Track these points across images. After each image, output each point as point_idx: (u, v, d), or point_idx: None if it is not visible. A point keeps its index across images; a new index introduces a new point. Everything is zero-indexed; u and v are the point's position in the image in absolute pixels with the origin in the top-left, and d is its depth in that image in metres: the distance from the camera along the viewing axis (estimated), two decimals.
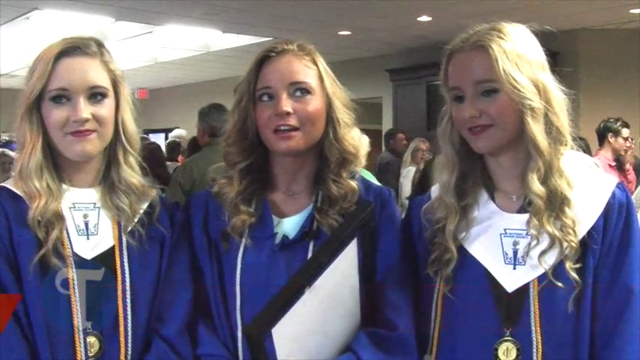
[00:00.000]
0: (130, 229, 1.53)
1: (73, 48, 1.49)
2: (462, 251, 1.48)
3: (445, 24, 7.53)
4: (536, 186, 1.41)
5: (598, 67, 7.65)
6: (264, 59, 1.54)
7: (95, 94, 1.49)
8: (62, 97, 1.47)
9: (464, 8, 6.75)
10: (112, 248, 1.51)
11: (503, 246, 1.46)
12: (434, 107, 8.59)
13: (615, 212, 1.43)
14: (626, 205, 1.44)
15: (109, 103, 1.51)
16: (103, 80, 1.50)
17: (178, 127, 10.27)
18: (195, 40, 9.32)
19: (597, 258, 1.42)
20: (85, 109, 1.46)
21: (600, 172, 1.55)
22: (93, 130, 1.48)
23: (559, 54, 6.92)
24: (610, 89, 7.58)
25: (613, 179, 1.50)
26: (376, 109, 10.21)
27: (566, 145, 1.45)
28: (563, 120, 1.45)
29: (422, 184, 5.58)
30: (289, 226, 1.55)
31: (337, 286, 1.40)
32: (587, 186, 1.46)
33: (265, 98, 1.52)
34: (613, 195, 1.44)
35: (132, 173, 1.56)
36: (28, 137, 1.48)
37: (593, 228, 1.42)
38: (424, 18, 7.66)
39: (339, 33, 8.38)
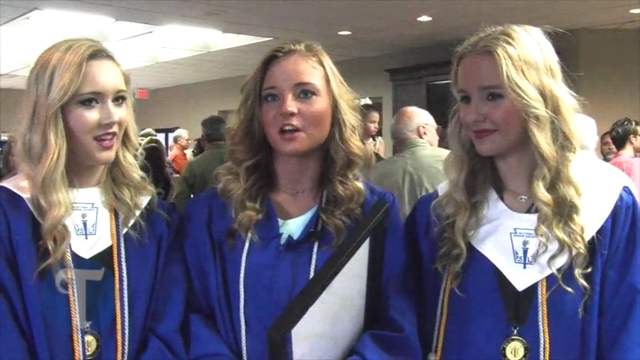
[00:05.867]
0: (132, 222, 1.54)
1: (99, 51, 1.49)
2: (471, 249, 1.49)
3: (445, 24, 7.54)
4: (542, 193, 1.42)
5: (598, 67, 7.63)
6: (271, 59, 1.54)
7: (118, 98, 1.50)
8: (93, 100, 1.47)
9: (464, 8, 6.75)
10: (110, 248, 1.52)
11: (513, 245, 1.47)
12: (434, 107, 8.55)
13: (623, 214, 1.45)
14: (632, 208, 1.46)
15: (126, 105, 1.52)
16: (123, 83, 1.52)
17: (178, 127, 10.42)
18: (195, 40, 9.33)
19: (605, 259, 1.43)
20: (116, 113, 1.48)
21: (607, 174, 1.55)
22: (116, 132, 1.49)
23: (559, 54, 6.90)
24: (610, 89, 7.57)
25: (620, 182, 1.52)
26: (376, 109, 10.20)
27: (574, 151, 1.45)
28: (571, 126, 1.44)
29: None
30: (294, 226, 1.55)
31: (348, 287, 1.40)
32: (595, 189, 1.47)
33: (270, 98, 1.52)
34: (620, 197, 1.47)
35: (131, 168, 1.58)
36: (54, 143, 1.43)
37: (600, 230, 1.44)
38: (424, 18, 7.66)
39: (339, 33, 8.38)
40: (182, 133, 9.67)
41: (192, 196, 4.98)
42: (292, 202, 1.58)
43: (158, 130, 12.26)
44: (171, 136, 12.93)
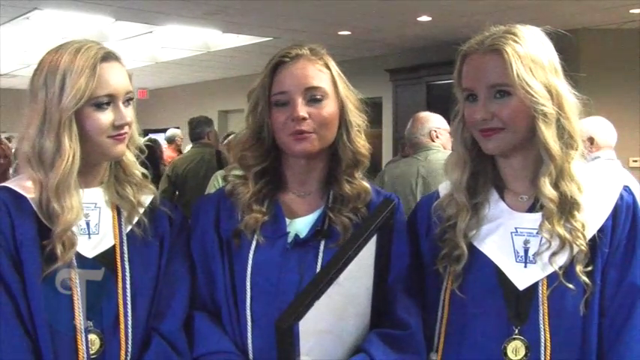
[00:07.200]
0: (135, 219, 1.55)
1: (109, 53, 1.51)
2: (472, 249, 1.50)
3: (445, 24, 7.53)
4: (549, 190, 1.43)
5: (598, 67, 7.63)
6: (278, 64, 1.56)
7: (127, 99, 1.52)
8: (106, 102, 1.48)
9: (464, 8, 6.74)
10: (113, 247, 1.52)
11: (514, 245, 1.48)
12: (434, 107, 8.52)
13: (623, 213, 1.46)
14: (632, 207, 1.47)
15: (132, 105, 1.54)
16: (130, 84, 1.54)
17: (178, 127, 10.35)
18: (195, 40, 9.32)
19: (605, 258, 1.44)
20: (127, 114, 1.50)
21: (607, 174, 1.56)
22: (127, 132, 1.52)
23: (559, 54, 6.89)
24: (610, 89, 7.57)
25: (620, 182, 1.53)
26: (376, 109, 10.19)
27: (576, 149, 1.46)
28: (574, 124, 1.46)
29: None
30: (301, 225, 1.57)
31: (354, 284, 1.41)
32: (596, 188, 1.48)
33: (280, 104, 1.54)
34: (621, 197, 1.47)
35: (132, 165, 1.59)
36: (68, 147, 1.44)
37: (601, 229, 1.44)
38: (424, 18, 7.65)
39: (339, 33, 8.37)
40: (177, 132, 9.56)
41: (176, 193, 5.38)
42: (300, 203, 1.60)
43: (158, 130, 12.26)
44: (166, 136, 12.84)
